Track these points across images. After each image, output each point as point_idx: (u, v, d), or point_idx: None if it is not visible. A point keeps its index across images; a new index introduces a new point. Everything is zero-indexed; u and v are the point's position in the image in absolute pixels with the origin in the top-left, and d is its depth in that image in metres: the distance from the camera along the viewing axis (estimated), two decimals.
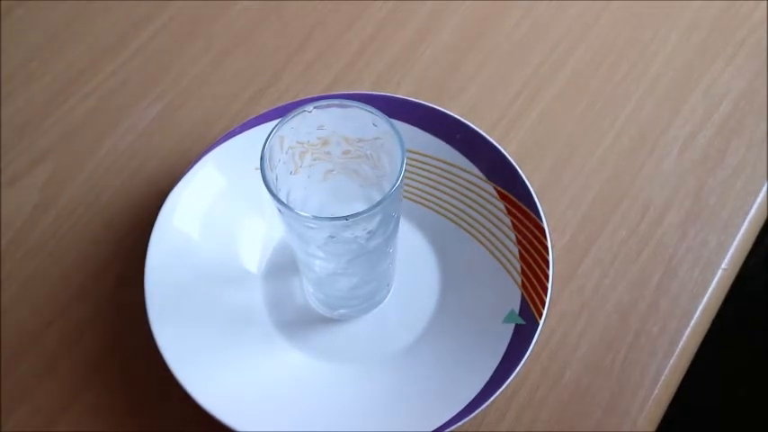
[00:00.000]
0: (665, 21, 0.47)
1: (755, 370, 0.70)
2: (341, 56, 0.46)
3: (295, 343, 0.37)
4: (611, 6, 0.48)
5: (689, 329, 0.38)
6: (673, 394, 0.37)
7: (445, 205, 0.39)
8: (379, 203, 0.27)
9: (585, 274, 0.39)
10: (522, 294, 0.36)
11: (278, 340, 0.37)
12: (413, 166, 0.40)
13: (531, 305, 0.35)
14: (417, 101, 0.40)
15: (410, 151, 0.39)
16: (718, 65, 0.46)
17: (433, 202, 0.40)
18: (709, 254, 0.40)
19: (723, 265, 0.39)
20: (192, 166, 0.39)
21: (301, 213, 0.27)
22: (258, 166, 0.28)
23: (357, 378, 0.36)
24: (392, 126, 0.28)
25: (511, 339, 0.35)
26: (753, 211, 0.41)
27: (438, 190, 0.40)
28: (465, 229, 0.39)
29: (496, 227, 0.38)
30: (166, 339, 0.34)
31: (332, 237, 0.30)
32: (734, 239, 0.40)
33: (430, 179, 0.40)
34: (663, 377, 0.37)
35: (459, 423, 0.33)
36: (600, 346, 0.37)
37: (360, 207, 0.27)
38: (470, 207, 0.39)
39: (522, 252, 0.37)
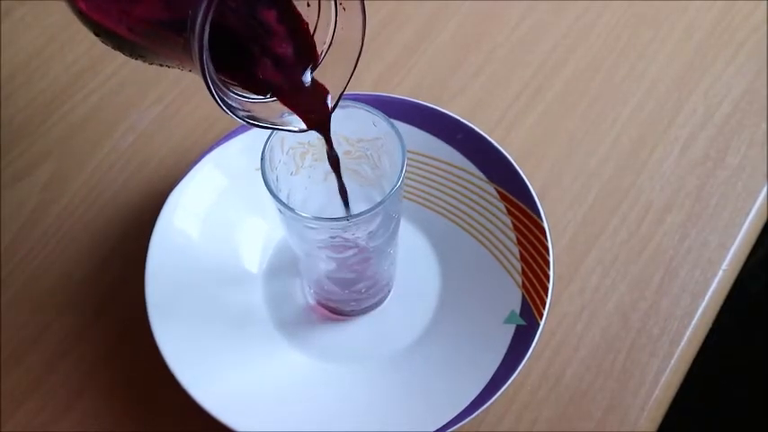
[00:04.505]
0: (664, 21, 0.47)
1: (755, 370, 0.70)
2: None
3: (295, 343, 0.37)
4: (612, 6, 0.48)
5: (690, 330, 0.38)
6: (674, 395, 0.37)
7: (446, 206, 0.39)
8: (379, 204, 0.27)
9: (586, 275, 0.39)
10: (523, 295, 0.36)
11: (278, 340, 0.37)
12: (413, 166, 0.40)
13: (532, 306, 0.35)
14: (417, 101, 0.40)
15: (410, 152, 0.39)
16: (718, 65, 0.46)
17: (433, 203, 0.40)
18: (709, 254, 0.40)
19: (724, 266, 0.39)
20: (192, 167, 0.39)
21: (302, 214, 0.27)
22: (259, 166, 0.28)
23: (357, 378, 0.36)
24: (393, 126, 0.28)
25: (512, 340, 0.35)
26: (753, 211, 0.41)
27: (438, 191, 0.40)
28: (465, 230, 0.39)
29: (497, 227, 0.38)
30: (167, 339, 0.34)
31: (332, 237, 0.30)
32: (734, 240, 0.40)
33: (430, 180, 0.40)
34: (663, 377, 0.37)
35: (460, 423, 0.33)
36: (601, 346, 0.37)
37: (360, 207, 0.28)
38: (471, 207, 0.39)
39: (523, 252, 0.37)
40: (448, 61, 0.46)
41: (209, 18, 0.20)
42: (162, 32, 0.22)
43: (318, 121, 0.27)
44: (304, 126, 0.27)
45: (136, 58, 0.25)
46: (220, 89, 0.23)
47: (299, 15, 0.26)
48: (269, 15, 0.25)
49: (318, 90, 0.27)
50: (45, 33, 0.48)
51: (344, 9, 0.25)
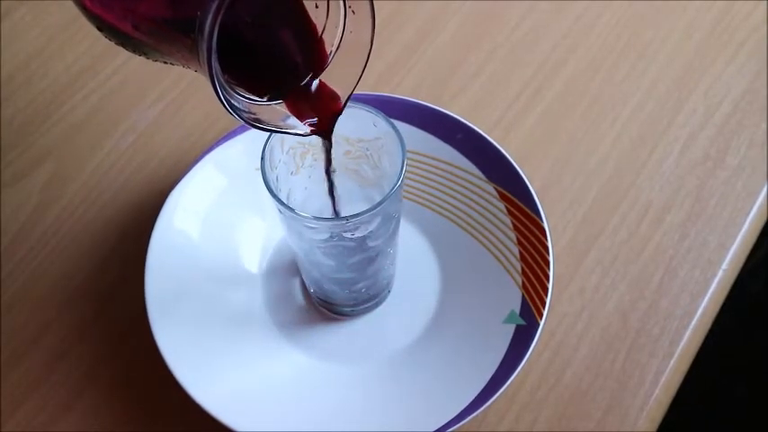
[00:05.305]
0: (665, 21, 0.47)
1: (755, 370, 0.70)
2: None
3: (295, 343, 0.37)
4: (612, 7, 0.48)
5: (689, 330, 0.38)
6: (673, 395, 0.37)
7: (445, 206, 0.39)
8: (379, 204, 0.27)
9: (586, 275, 0.39)
10: (523, 295, 0.36)
11: (278, 340, 0.37)
12: (413, 166, 0.40)
13: (532, 306, 0.35)
14: (417, 101, 0.40)
15: (410, 152, 0.39)
16: (718, 65, 0.46)
17: (433, 203, 0.40)
18: (709, 254, 0.40)
19: (723, 266, 0.39)
20: (192, 167, 0.39)
21: (301, 214, 0.27)
22: (259, 166, 0.28)
23: (357, 378, 0.36)
24: (393, 126, 0.28)
25: (511, 340, 0.35)
26: (753, 211, 0.41)
27: (438, 190, 0.40)
28: (465, 230, 0.39)
29: (497, 227, 0.38)
30: (166, 339, 0.34)
31: (332, 237, 0.30)
32: (734, 240, 0.40)
33: (430, 180, 0.40)
34: (663, 377, 0.37)
35: (460, 423, 0.33)
36: (600, 346, 0.37)
37: (360, 207, 0.28)
38: (471, 207, 0.39)
39: (523, 252, 0.37)
40: (448, 61, 0.46)
41: (219, 21, 0.20)
42: (168, 32, 0.22)
43: (320, 128, 0.27)
44: (308, 130, 0.27)
45: (139, 55, 0.25)
46: (227, 92, 0.23)
47: (309, 19, 0.25)
48: (278, 18, 0.25)
49: (323, 97, 0.26)
50: (45, 33, 0.48)
51: (354, 12, 0.25)
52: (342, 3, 0.25)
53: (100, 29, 0.25)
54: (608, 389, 0.36)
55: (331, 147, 0.28)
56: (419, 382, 0.35)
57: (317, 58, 0.26)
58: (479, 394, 0.33)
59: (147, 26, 0.23)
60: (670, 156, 0.43)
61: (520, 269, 0.36)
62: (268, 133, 0.28)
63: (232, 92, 0.24)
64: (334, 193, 0.30)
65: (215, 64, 0.21)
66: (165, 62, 0.25)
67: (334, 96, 0.26)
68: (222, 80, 0.22)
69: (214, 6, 0.20)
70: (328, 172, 0.29)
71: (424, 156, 0.40)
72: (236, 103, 0.23)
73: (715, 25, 0.47)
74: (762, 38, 0.46)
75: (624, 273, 0.39)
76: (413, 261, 0.39)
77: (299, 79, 0.26)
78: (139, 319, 0.35)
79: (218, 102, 0.22)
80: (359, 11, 0.24)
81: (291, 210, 0.27)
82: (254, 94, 0.25)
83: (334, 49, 0.26)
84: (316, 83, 0.26)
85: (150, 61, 0.26)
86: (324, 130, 0.27)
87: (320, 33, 0.26)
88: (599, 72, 0.46)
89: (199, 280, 0.37)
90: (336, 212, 0.31)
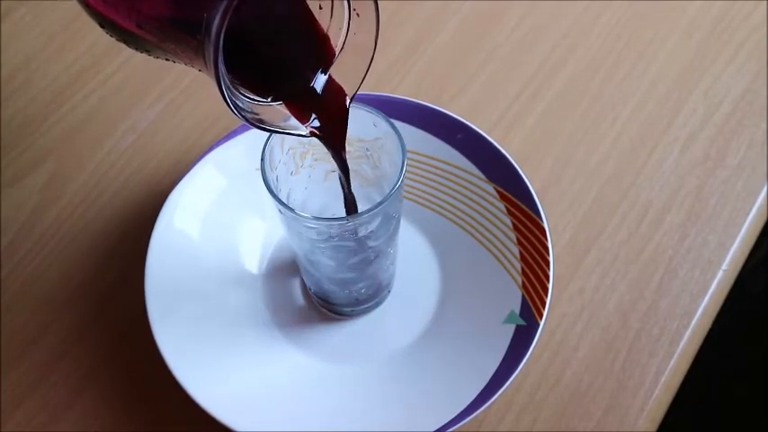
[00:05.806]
0: (664, 21, 0.47)
1: (755, 370, 0.70)
2: None
3: (295, 343, 0.37)
4: (612, 7, 0.48)
5: (689, 330, 0.38)
6: (673, 395, 0.37)
7: (445, 206, 0.39)
8: (379, 204, 0.27)
9: (586, 275, 0.39)
10: (523, 295, 0.36)
11: (278, 340, 0.37)
12: (413, 166, 0.40)
13: (532, 306, 0.35)
14: (417, 101, 0.40)
15: (410, 152, 0.39)
16: (718, 65, 0.46)
17: (433, 203, 0.40)
18: (709, 254, 0.40)
19: (723, 266, 0.39)
20: (192, 167, 0.39)
21: (301, 214, 0.27)
22: (259, 166, 0.28)
23: (357, 378, 0.36)
24: (393, 126, 0.28)
25: (511, 340, 0.35)
26: (753, 211, 0.41)
27: (438, 191, 0.40)
28: (465, 230, 0.39)
29: (497, 227, 0.38)
30: (166, 339, 0.34)
31: (332, 237, 0.30)
32: (734, 240, 0.40)
33: (430, 180, 0.40)
34: (663, 377, 0.37)
35: (460, 423, 0.33)
36: (600, 346, 0.37)
37: (360, 207, 0.27)
38: (471, 207, 0.39)
39: (523, 252, 0.37)
40: (448, 61, 0.46)
41: (226, 23, 0.20)
42: (173, 31, 0.22)
43: (328, 129, 0.27)
44: (308, 131, 0.27)
45: (141, 52, 0.25)
46: (232, 92, 0.23)
47: (314, 20, 0.25)
48: (283, 19, 0.25)
49: (328, 101, 0.26)
50: (45, 33, 0.48)
51: (358, 15, 0.25)
52: (346, 5, 0.25)
53: (102, 25, 0.25)
54: (608, 389, 0.36)
55: (341, 149, 0.27)
56: (419, 382, 0.35)
57: (323, 55, 0.26)
58: (479, 394, 0.33)
59: (152, 25, 0.23)
60: (670, 156, 0.43)
61: (520, 269, 0.36)
62: (269, 133, 0.28)
63: (236, 92, 0.24)
64: (351, 190, 0.29)
65: (221, 66, 0.21)
66: (168, 59, 0.25)
67: (339, 97, 0.26)
68: (228, 82, 0.22)
69: (221, 8, 0.20)
70: (343, 166, 0.28)
71: (424, 156, 0.40)
72: (240, 104, 0.23)
73: (715, 25, 0.47)
74: (762, 38, 0.46)
75: (624, 273, 0.39)
76: (413, 261, 0.39)
77: (303, 80, 0.26)
78: (139, 319, 0.35)
79: (223, 103, 0.22)
80: (363, 13, 0.24)
81: (291, 210, 0.27)
82: (257, 94, 0.25)
83: (337, 51, 0.26)
84: (321, 84, 0.26)
85: (151, 61, 0.26)
86: (332, 130, 0.27)
87: (325, 33, 0.26)
88: (599, 72, 0.46)
89: (199, 280, 0.37)
90: (355, 209, 0.30)
